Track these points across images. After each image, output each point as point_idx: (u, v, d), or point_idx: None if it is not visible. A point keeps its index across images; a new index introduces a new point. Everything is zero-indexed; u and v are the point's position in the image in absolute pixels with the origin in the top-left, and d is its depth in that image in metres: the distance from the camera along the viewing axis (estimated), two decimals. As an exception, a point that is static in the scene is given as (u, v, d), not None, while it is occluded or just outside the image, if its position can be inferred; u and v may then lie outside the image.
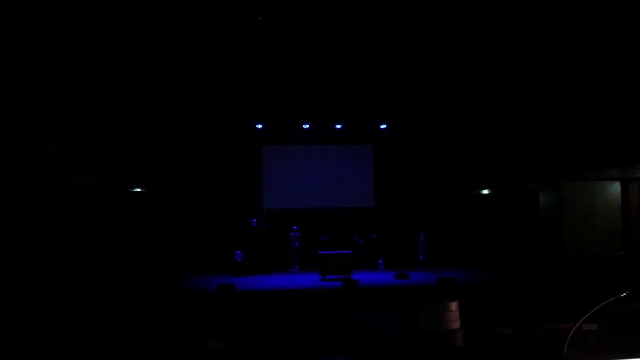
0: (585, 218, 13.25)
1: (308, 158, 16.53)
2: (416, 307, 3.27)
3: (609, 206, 13.38)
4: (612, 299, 2.76)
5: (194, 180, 15.53)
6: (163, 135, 14.32)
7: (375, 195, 16.62)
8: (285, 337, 6.44)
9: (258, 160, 16.31)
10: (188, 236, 15.19)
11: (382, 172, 16.55)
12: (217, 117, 14.51)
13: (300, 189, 16.27)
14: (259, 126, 15.66)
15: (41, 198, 12.17)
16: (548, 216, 13.99)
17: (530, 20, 10.48)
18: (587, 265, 11.73)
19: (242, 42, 11.51)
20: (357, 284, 10.88)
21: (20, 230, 11.32)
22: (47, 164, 11.46)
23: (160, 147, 14.51)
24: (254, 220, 14.95)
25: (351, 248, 14.39)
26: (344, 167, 16.57)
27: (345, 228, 15.93)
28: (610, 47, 10.26)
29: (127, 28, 10.29)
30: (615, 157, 10.99)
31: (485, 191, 16.73)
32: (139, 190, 15.81)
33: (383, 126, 16.14)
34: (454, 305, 3.19)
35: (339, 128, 16.10)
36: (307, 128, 15.92)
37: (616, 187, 13.48)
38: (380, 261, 15.55)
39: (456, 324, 3.19)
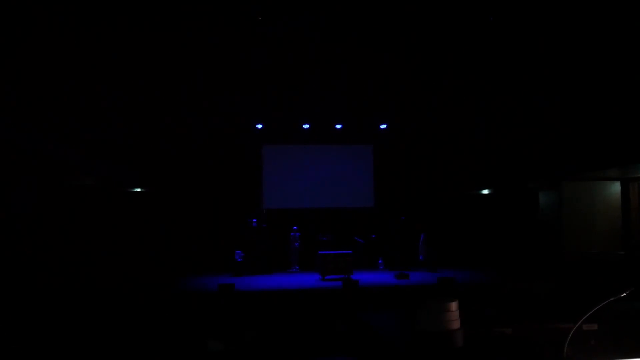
0: (585, 218, 13.24)
1: (308, 158, 16.53)
2: (416, 307, 3.27)
3: (609, 206, 13.38)
4: (612, 299, 2.76)
5: (194, 180, 15.53)
6: (163, 135, 14.33)
7: (375, 195, 16.62)
8: (285, 337, 6.44)
9: (258, 160, 16.31)
10: (188, 236, 15.19)
11: (382, 172, 16.55)
12: (217, 117, 14.52)
13: (300, 189, 16.27)
14: (259, 126, 15.67)
15: (41, 198, 12.17)
16: (548, 216, 13.99)
17: (530, 20, 10.48)
18: (587, 265, 11.73)
19: (242, 42, 11.51)
20: (357, 284, 10.88)
21: (20, 230, 11.32)
22: (47, 164, 11.46)
23: (160, 147, 14.51)
24: (254, 220, 14.95)
25: (351, 248, 14.39)
26: (344, 167, 16.57)
27: (345, 228, 15.93)
28: (610, 47, 10.26)
29: (127, 28, 10.29)
30: (615, 157, 10.99)
31: (485, 191, 16.73)
32: (139, 190, 15.81)
33: (383, 126, 16.14)
34: (454, 305, 3.19)
35: (339, 128, 16.10)
36: (307, 128, 15.93)
37: (616, 187, 13.48)
38: (380, 261, 15.55)
39: (456, 324, 3.19)
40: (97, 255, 13.75)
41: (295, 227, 15.07)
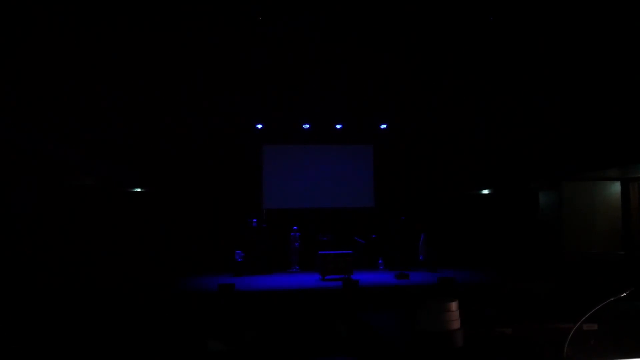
0: (585, 218, 13.25)
1: (308, 158, 16.54)
2: (416, 307, 3.27)
3: (609, 206, 13.38)
4: (612, 299, 2.76)
5: (194, 180, 15.53)
6: (163, 135, 14.33)
7: (375, 195, 16.62)
8: (285, 337, 6.43)
9: (258, 161, 16.31)
10: (188, 236, 15.19)
11: (382, 172, 16.55)
12: (217, 117, 14.52)
13: (301, 189, 16.27)
14: (259, 126, 15.67)
15: (41, 198, 12.18)
16: (548, 216, 13.99)
17: (530, 20, 10.48)
18: (587, 265, 11.74)
19: (242, 42, 11.51)
20: (357, 284, 10.88)
21: (20, 230, 11.32)
22: (47, 164, 11.47)
23: (160, 147, 14.51)
24: (254, 220, 14.95)
25: (351, 248, 14.39)
26: (344, 167, 16.57)
27: (345, 228, 15.93)
28: (610, 48, 10.26)
29: (127, 28, 10.29)
30: (616, 157, 10.99)
31: (485, 191, 16.73)
32: (139, 190, 15.81)
33: (383, 126, 16.14)
34: (454, 305, 3.19)
35: (339, 128, 16.10)
36: (307, 128, 15.93)
37: (616, 187, 13.48)
38: (380, 261, 15.56)
39: (456, 324, 3.19)
40: (97, 255, 13.75)
41: (295, 227, 15.08)
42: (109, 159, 13.31)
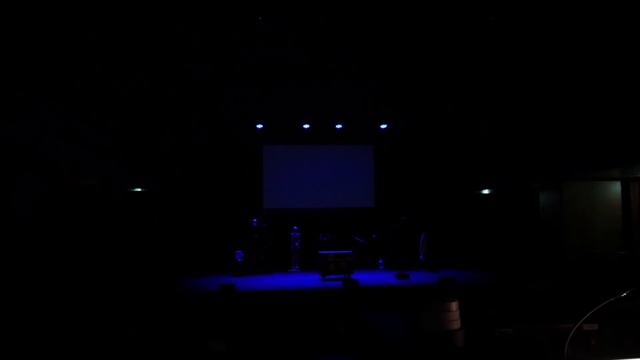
0: (586, 218, 13.24)
1: (308, 158, 16.54)
2: (418, 308, 3.27)
3: (610, 206, 13.37)
4: (612, 299, 2.76)
5: (194, 180, 15.54)
6: (163, 136, 14.34)
7: (375, 196, 16.61)
8: (286, 337, 6.43)
9: (258, 161, 16.31)
10: (189, 236, 15.20)
11: (383, 172, 16.55)
12: (217, 117, 14.53)
13: (301, 189, 16.27)
14: (259, 126, 15.67)
15: (42, 198, 12.18)
16: (549, 216, 13.99)
17: (531, 20, 10.47)
18: (588, 265, 11.73)
19: (242, 42, 11.51)
20: (357, 284, 10.87)
21: (21, 229, 11.32)
22: (48, 164, 11.47)
23: (161, 147, 14.52)
24: (254, 220, 14.95)
25: (351, 248, 14.38)
26: (344, 167, 16.57)
27: (345, 228, 15.92)
28: (611, 48, 10.25)
29: (127, 28, 10.29)
30: (616, 158, 10.99)
31: (486, 191, 16.73)
32: (139, 190, 15.82)
33: (383, 126, 16.13)
34: (454, 306, 3.19)
35: (340, 128, 16.10)
36: (307, 128, 15.92)
37: (617, 187, 13.48)
38: (380, 261, 15.55)
39: (457, 324, 3.18)
40: (98, 255, 13.75)
41: (295, 227, 15.07)
42: (109, 159, 13.32)
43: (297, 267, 14.92)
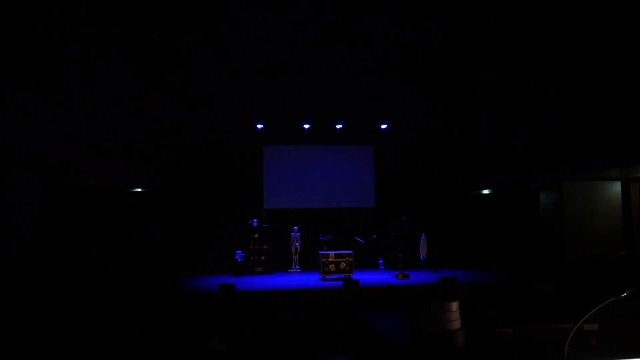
0: (586, 218, 13.24)
1: (308, 158, 16.54)
2: (419, 307, 3.27)
3: (610, 206, 13.37)
4: (613, 299, 2.76)
5: (194, 180, 15.54)
6: (163, 136, 14.33)
7: (375, 196, 16.62)
8: (286, 337, 6.43)
9: (258, 161, 16.31)
10: (189, 236, 15.20)
11: (383, 172, 16.55)
12: (217, 117, 14.52)
13: (301, 189, 16.28)
14: (260, 126, 15.67)
15: (42, 198, 12.18)
16: (549, 216, 13.99)
17: (531, 20, 10.47)
18: (588, 265, 11.73)
19: (242, 42, 11.50)
20: (357, 284, 10.88)
21: (20, 230, 11.33)
22: (47, 164, 11.47)
23: (161, 147, 14.52)
24: (255, 220, 14.95)
25: (352, 248, 14.40)
26: (344, 167, 16.57)
27: (345, 228, 15.93)
28: (612, 47, 10.25)
29: (127, 28, 10.29)
30: (616, 158, 10.99)
31: (486, 191, 16.73)
32: (139, 190, 15.82)
33: (384, 126, 16.13)
34: (454, 306, 3.18)
35: (340, 128, 16.10)
36: (307, 128, 15.92)
37: (617, 187, 13.48)
38: (380, 261, 15.56)
39: (457, 324, 3.18)
40: (98, 255, 13.76)
41: (295, 227, 15.08)
42: (110, 159, 13.32)
43: (297, 267, 14.93)
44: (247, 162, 16.05)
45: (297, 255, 14.98)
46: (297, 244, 14.96)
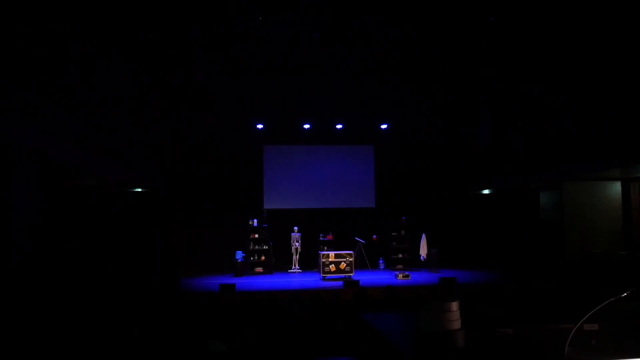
0: (586, 218, 13.22)
1: (309, 158, 16.54)
2: (419, 308, 3.27)
3: (610, 206, 13.36)
4: (613, 299, 2.76)
5: (194, 180, 15.53)
6: (164, 135, 14.33)
7: (376, 196, 16.62)
8: (286, 337, 6.43)
9: (258, 161, 16.32)
10: (189, 236, 15.20)
11: (383, 172, 16.55)
12: (217, 117, 14.52)
13: (301, 189, 16.27)
14: (260, 126, 15.67)
15: (42, 198, 12.17)
16: (549, 216, 13.97)
17: (530, 19, 10.47)
18: (588, 265, 11.72)
19: (242, 42, 11.50)
20: (357, 284, 10.88)
21: (19, 230, 11.32)
22: (47, 165, 11.46)
23: (161, 147, 14.51)
24: (255, 220, 14.95)
25: (352, 248, 14.40)
26: (345, 167, 16.57)
27: (345, 228, 15.93)
28: (612, 47, 10.25)
29: (127, 27, 10.29)
30: (616, 158, 10.98)
31: (486, 191, 16.72)
32: (139, 190, 15.81)
33: (384, 126, 16.13)
34: (454, 306, 3.18)
35: (340, 128, 16.10)
36: (307, 128, 15.92)
37: (617, 187, 13.47)
38: (380, 261, 15.56)
39: (457, 324, 3.18)
40: (98, 256, 13.75)
41: (295, 227, 15.08)
42: (110, 159, 13.31)
43: (298, 267, 14.93)
44: (247, 162, 16.05)
45: (297, 255, 14.98)
46: (297, 244, 14.97)
